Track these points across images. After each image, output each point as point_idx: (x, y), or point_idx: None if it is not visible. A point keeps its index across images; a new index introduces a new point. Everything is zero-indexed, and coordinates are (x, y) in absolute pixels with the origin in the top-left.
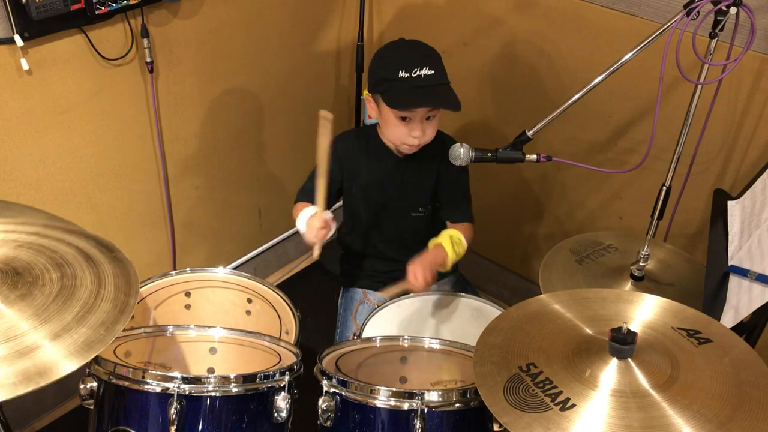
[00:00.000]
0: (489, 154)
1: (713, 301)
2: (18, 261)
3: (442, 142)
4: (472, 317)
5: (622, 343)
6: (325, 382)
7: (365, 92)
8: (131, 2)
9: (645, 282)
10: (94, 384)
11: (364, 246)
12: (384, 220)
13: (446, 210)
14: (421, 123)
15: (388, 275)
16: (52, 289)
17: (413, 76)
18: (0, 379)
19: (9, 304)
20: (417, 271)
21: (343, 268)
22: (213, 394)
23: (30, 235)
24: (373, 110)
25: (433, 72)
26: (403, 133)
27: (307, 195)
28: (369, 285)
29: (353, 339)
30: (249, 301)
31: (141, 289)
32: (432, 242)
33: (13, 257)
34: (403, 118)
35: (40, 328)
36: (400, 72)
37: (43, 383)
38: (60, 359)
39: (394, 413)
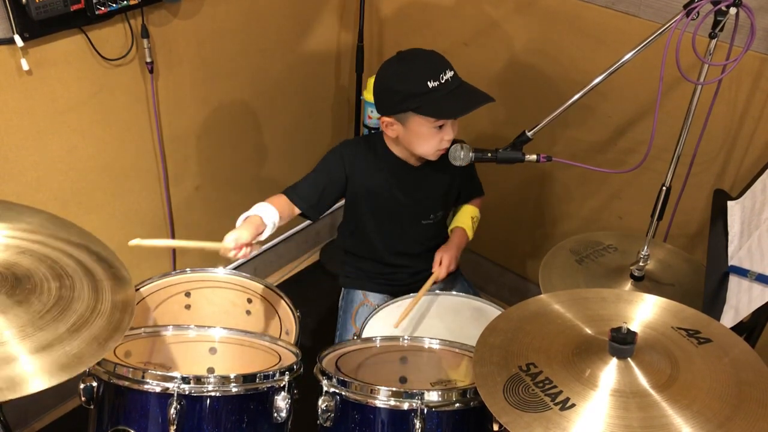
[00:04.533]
0: (489, 154)
1: (713, 301)
2: (19, 267)
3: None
4: (472, 317)
5: (622, 343)
6: (325, 382)
7: (381, 117)
8: (131, 2)
9: (645, 282)
10: (94, 384)
11: (368, 251)
12: (393, 228)
13: (464, 197)
14: (452, 125)
15: (390, 277)
16: (49, 298)
17: (443, 82)
18: None
19: (5, 309)
20: (444, 259)
21: (344, 269)
22: (213, 394)
23: (33, 243)
24: (394, 132)
25: (453, 73)
26: (437, 141)
27: (295, 196)
28: (370, 287)
29: (353, 339)
30: (249, 301)
31: (141, 289)
32: (453, 225)
33: (14, 263)
34: (439, 127)
35: (26, 339)
36: (429, 82)
37: (10, 397)
38: (34, 375)
39: (394, 413)
